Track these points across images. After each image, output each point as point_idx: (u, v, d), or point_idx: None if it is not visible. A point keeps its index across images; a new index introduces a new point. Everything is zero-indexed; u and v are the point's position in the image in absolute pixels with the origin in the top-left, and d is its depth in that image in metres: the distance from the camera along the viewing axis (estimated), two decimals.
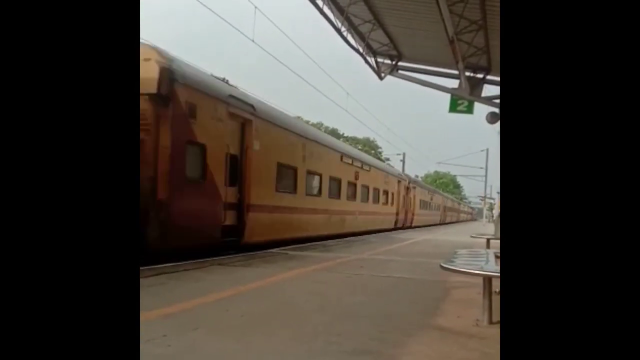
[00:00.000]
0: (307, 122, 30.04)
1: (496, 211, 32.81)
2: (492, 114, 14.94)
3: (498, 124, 16.83)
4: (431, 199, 36.86)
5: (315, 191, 13.55)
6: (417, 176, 42.47)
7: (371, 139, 61.75)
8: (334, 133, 49.71)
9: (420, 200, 31.57)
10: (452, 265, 4.24)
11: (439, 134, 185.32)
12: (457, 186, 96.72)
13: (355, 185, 17.15)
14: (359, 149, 28.43)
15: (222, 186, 8.48)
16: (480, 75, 14.22)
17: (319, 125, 50.02)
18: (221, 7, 11.76)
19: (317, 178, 13.57)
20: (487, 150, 44.30)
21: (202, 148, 7.91)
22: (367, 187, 18.82)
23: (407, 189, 27.10)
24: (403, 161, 45.34)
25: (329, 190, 14.50)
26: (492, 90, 15.03)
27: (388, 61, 15.22)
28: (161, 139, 6.94)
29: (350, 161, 16.68)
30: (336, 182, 15.22)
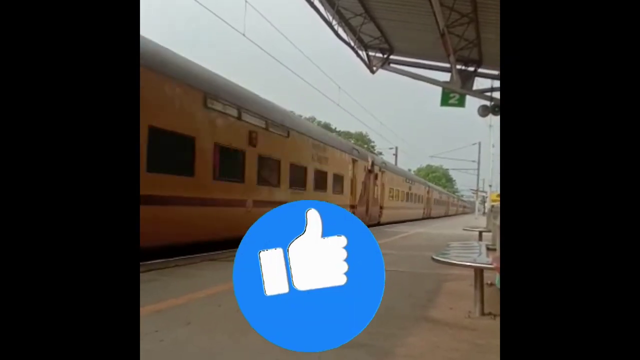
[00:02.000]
0: (300, 116, 28.52)
1: (488, 204, 32.92)
2: (484, 107, 14.99)
3: (490, 117, 16.92)
4: (410, 189, 29.63)
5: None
6: (409, 170, 42.48)
7: (364, 133, 61.91)
8: (326, 127, 49.71)
9: (393, 190, 24.47)
10: (444, 258, 4.26)
11: (432, 128, 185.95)
12: (450, 179, 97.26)
13: (243, 155, 9.50)
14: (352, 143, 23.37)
15: None
16: (471, 68, 14.26)
17: (311, 120, 49.96)
18: (212, 1, 11.67)
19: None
20: (479, 143, 44.54)
21: None
22: (278, 163, 11.23)
23: (370, 172, 19.79)
24: (396, 155, 45.48)
25: (166, 160, 7.31)
26: (483, 83, 15.11)
27: (380, 55, 15.22)
28: None
29: (233, 112, 9.08)
30: (187, 144, 7.81)
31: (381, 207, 21.91)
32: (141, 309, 3.67)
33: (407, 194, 29.11)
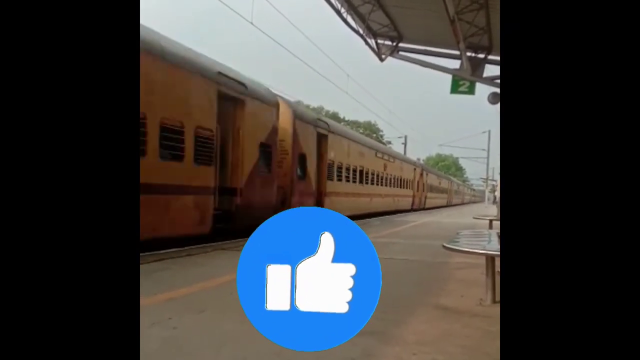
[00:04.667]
0: (308, 106, 30.82)
1: (498, 193, 32.79)
2: (494, 94, 14.84)
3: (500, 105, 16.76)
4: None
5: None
6: (419, 159, 42.33)
7: (372, 122, 61.55)
8: (334, 117, 49.50)
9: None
10: (455, 245, 4.25)
11: (441, 116, 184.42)
12: (459, 168, 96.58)
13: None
14: (360, 132, 32.27)
15: None
16: (481, 56, 14.09)
17: (319, 109, 49.76)
18: None
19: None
20: (489, 131, 44.08)
21: None
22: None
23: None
24: (405, 144, 45.23)
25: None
26: (493, 70, 14.91)
27: (389, 42, 15.08)
28: None
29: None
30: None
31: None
32: (155, 297, 3.72)
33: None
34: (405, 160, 28.86)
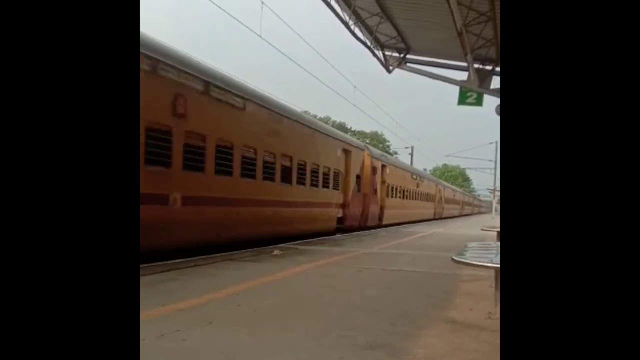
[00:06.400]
0: (315, 116, 29.02)
1: None
2: None
3: None
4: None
5: None
6: (425, 169, 42.04)
7: (379, 132, 61.65)
8: (342, 127, 49.63)
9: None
10: (463, 259, 4.22)
11: (448, 128, 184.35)
12: (467, 179, 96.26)
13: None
14: (367, 143, 22.15)
15: None
16: (489, 68, 14.12)
17: (326, 120, 49.93)
18: (228, 3, 11.75)
19: None
20: (496, 142, 43.90)
21: None
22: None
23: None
24: (412, 155, 45.18)
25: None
26: None
27: (396, 54, 15.16)
28: None
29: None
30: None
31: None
32: (163, 309, 3.73)
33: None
34: (331, 134, 14.88)
